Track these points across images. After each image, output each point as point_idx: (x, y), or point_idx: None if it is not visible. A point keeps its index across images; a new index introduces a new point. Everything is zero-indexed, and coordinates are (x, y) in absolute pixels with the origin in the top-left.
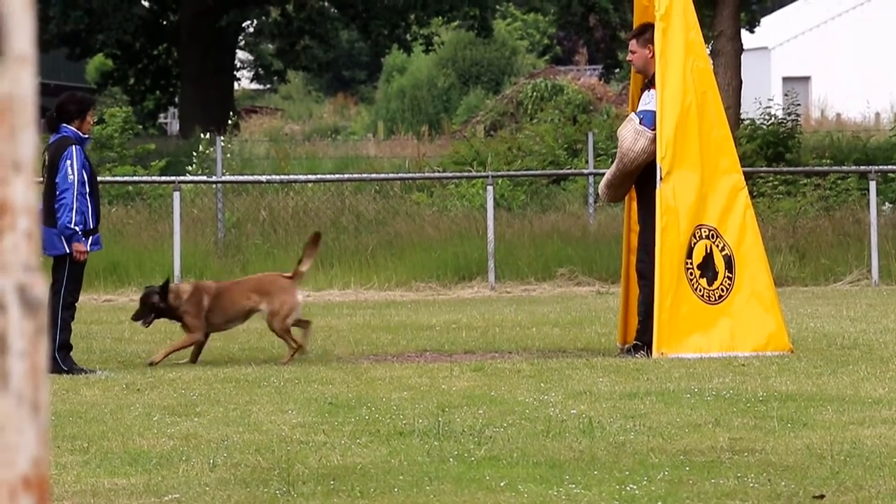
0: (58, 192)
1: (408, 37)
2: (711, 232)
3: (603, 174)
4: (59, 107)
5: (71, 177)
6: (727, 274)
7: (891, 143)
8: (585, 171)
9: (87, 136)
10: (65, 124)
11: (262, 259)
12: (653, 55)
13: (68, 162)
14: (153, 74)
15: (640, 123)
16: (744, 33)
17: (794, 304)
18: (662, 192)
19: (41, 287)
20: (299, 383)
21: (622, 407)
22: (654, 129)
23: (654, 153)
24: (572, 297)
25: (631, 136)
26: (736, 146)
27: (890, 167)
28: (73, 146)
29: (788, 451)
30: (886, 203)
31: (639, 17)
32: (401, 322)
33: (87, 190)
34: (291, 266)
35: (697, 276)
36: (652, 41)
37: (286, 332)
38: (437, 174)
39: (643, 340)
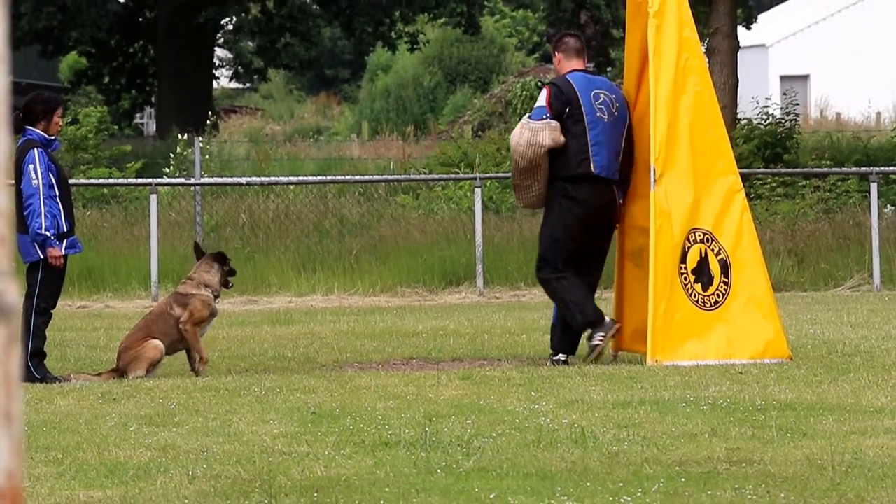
0: (24, 199)
1: (392, 34)
2: (706, 235)
3: None
4: (26, 107)
5: (35, 181)
6: (723, 279)
7: (892, 143)
8: None
9: (53, 137)
10: (30, 126)
11: (242, 264)
12: (560, 62)
13: (31, 166)
14: (129, 73)
15: (528, 118)
16: (740, 30)
17: (793, 309)
18: (655, 194)
19: (14, 293)
20: (281, 392)
21: (615, 416)
22: (541, 119)
23: (541, 145)
24: None
25: (517, 131)
26: (732, 147)
27: (892, 168)
28: (36, 149)
29: (788, 462)
30: (888, 206)
31: (632, 13)
32: (386, 329)
33: (56, 192)
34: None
35: (692, 282)
36: (559, 48)
37: None
38: (423, 176)
39: (559, 348)
